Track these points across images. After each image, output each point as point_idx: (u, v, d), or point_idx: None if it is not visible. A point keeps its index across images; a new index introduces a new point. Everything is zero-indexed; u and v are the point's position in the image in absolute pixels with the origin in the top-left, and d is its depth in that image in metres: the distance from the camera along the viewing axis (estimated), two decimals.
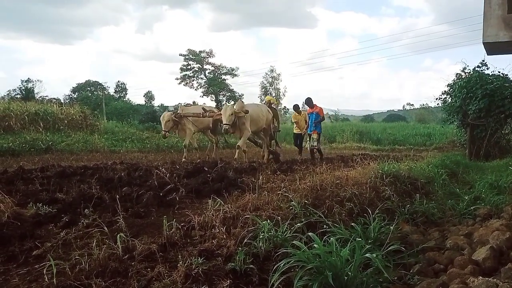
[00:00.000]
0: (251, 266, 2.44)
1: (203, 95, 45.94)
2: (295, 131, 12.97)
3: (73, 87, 52.93)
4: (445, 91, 14.77)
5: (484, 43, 8.23)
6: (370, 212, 3.62)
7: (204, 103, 11.29)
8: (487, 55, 10.24)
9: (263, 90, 47.04)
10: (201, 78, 46.64)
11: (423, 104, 47.03)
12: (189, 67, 45.96)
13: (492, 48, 8.70)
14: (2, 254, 2.70)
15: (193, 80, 46.77)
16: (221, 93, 45.64)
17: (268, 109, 11.15)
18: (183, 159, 10.27)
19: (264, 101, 12.70)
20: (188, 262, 2.34)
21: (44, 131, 15.79)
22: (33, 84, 43.89)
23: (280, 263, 2.38)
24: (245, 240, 2.72)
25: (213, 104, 37.97)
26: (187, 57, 45.49)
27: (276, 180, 5.17)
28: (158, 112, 33.61)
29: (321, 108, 12.12)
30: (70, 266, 2.36)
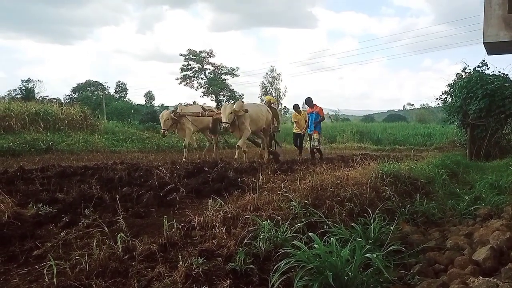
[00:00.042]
0: (251, 266, 2.44)
1: (204, 95, 46.03)
2: (295, 131, 12.98)
3: (74, 87, 53.07)
4: (445, 91, 14.78)
5: (484, 43, 8.23)
6: (370, 212, 3.62)
7: (205, 103, 11.27)
8: (488, 55, 10.24)
9: (263, 90, 47.04)
10: (201, 78, 46.69)
11: (424, 104, 47.11)
12: (189, 67, 46.00)
13: (493, 48, 8.70)
14: (2, 254, 2.70)
15: (193, 80, 46.83)
16: (222, 93, 45.68)
17: (268, 109, 11.14)
18: (184, 159, 10.27)
19: (264, 101, 12.69)
20: (188, 262, 2.34)
21: (45, 131, 15.80)
22: (33, 84, 43.98)
23: (281, 263, 2.38)
24: (245, 240, 2.72)
25: (213, 104, 37.97)
26: (187, 57, 45.53)
27: (276, 180, 5.17)
28: (158, 112, 33.57)
29: (321, 108, 12.13)
30: (70, 266, 2.36)
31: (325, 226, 3.23)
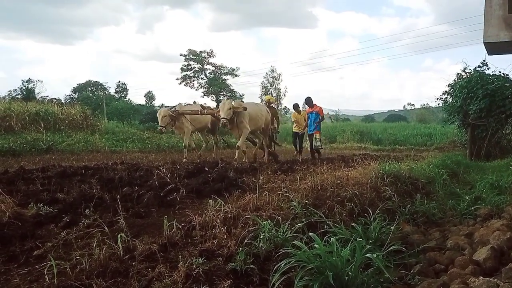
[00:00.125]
0: (252, 266, 2.44)
1: (204, 95, 46.02)
2: (294, 130, 12.97)
3: (74, 87, 53.13)
4: (445, 91, 14.77)
5: (484, 43, 8.24)
6: (370, 212, 3.62)
7: (205, 103, 11.22)
8: (488, 55, 10.25)
9: (264, 90, 47.06)
10: (201, 78, 46.70)
11: (424, 104, 47.15)
12: (189, 67, 46.01)
13: (493, 48, 8.71)
14: (3, 254, 2.70)
15: (193, 80, 46.84)
16: (222, 93, 45.65)
17: (267, 109, 11.12)
18: (184, 159, 10.27)
19: (263, 101, 12.66)
20: (188, 262, 2.34)
21: (45, 131, 15.79)
22: (33, 84, 44.01)
23: (281, 263, 2.38)
24: (245, 240, 2.72)
25: (214, 104, 37.97)
26: (187, 57, 45.55)
27: (276, 180, 5.17)
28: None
29: (320, 107, 12.13)
30: (70, 266, 2.36)
31: (325, 226, 3.23)
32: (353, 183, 4.61)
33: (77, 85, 53.36)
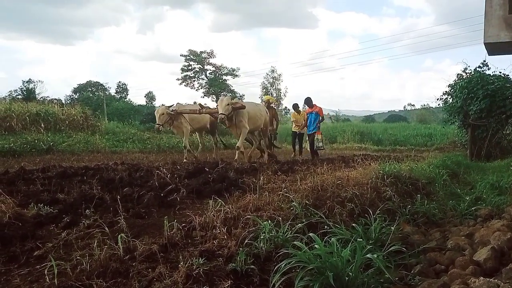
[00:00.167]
0: (252, 266, 2.44)
1: (204, 95, 46.02)
2: (294, 130, 12.95)
3: (74, 88, 53.13)
4: (446, 91, 14.76)
5: (485, 44, 8.24)
6: (371, 212, 3.62)
7: (205, 104, 11.13)
8: (488, 55, 10.23)
9: (264, 90, 47.06)
10: (202, 78, 46.71)
11: (424, 105, 47.10)
12: (190, 67, 46.02)
13: (493, 48, 8.71)
14: (3, 255, 2.70)
15: (194, 81, 46.85)
16: (222, 93, 45.61)
17: (266, 110, 11.09)
18: (184, 160, 10.27)
19: (263, 101, 12.62)
20: (189, 263, 2.34)
21: (45, 132, 15.82)
22: (34, 85, 44.04)
23: (281, 263, 2.38)
24: (246, 241, 2.72)
25: (214, 104, 37.95)
26: (188, 57, 45.56)
27: (277, 180, 5.17)
28: None
29: (320, 108, 12.13)
30: (71, 266, 2.36)
31: (325, 227, 3.22)
32: (353, 183, 4.60)
33: (77, 86, 53.41)
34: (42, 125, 16.51)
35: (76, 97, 47.27)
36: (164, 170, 6.05)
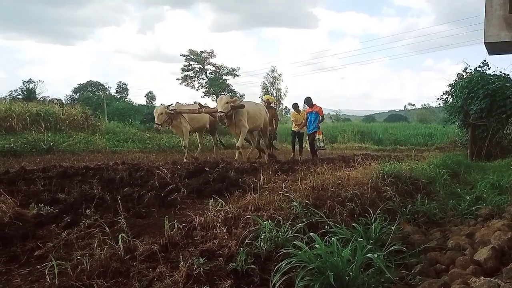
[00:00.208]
0: (253, 266, 2.44)
1: (204, 95, 46.04)
2: (293, 129, 12.93)
3: (75, 88, 53.20)
4: (446, 91, 14.74)
5: (485, 43, 8.25)
6: (371, 212, 3.62)
7: (205, 103, 11.07)
8: (489, 55, 10.26)
9: (264, 90, 47.10)
10: (202, 78, 46.72)
11: (425, 104, 47.08)
12: (190, 67, 46.04)
13: (494, 48, 8.72)
14: (4, 255, 2.71)
15: (194, 81, 46.87)
16: (223, 93, 45.68)
17: (266, 110, 11.05)
18: (185, 160, 10.25)
19: (263, 101, 12.58)
20: (189, 263, 2.34)
21: (46, 132, 15.81)
22: (34, 85, 44.11)
23: (282, 263, 2.38)
24: (246, 241, 2.72)
25: (214, 104, 37.93)
26: (188, 57, 45.58)
27: (277, 180, 5.17)
28: None
29: (320, 107, 12.12)
30: (71, 266, 2.36)
31: (326, 226, 3.23)
32: (353, 183, 4.60)
33: (77, 86, 53.48)
34: (43, 125, 16.52)
35: (77, 97, 47.29)
36: (165, 170, 6.05)
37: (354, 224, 3.32)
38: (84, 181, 5.34)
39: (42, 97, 36.58)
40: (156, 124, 10.50)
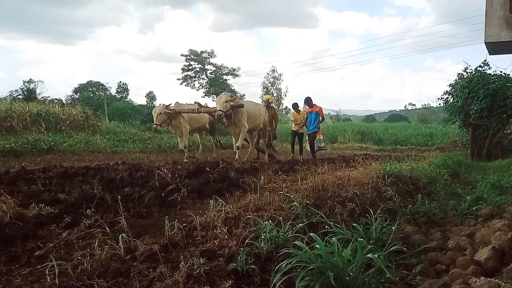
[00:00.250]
0: (253, 266, 2.44)
1: (205, 95, 46.08)
2: (293, 129, 12.91)
3: (75, 88, 53.25)
4: (447, 91, 14.73)
5: (486, 43, 8.24)
6: (372, 212, 3.62)
7: (205, 103, 11.02)
8: (489, 54, 10.24)
9: (265, 90, 47.13)
10: (202, 78, 46.76)
11: (425, 104, 46.88)
12: (190, 67, 46.07)
13: (494, 47, 8.71)
14: (4, 255, 2.71)
15: (194, 81, 46.92)
16: (222, 93, 45.68)
17: (266, 110, 11.02)
18: (185, 160, 10.25)
19: (263, 101, 12.53)
20: (190, 263, 2.34)
21: (46, 132, 15.83)
22: (35, 85, 44.18)
23: (282, 263, 2.38)
24: (246, 241, 2.72)
25: (214, 104, 37.90)
26: (188, 57, 45.62)
27: (277, 180, 5.16)
28: None
29: (320, 107, 12.11)
30: (72, 266, 2.36)
31: (326, 227, 3.22)
32: (354, 183, 4.60)
33: (78, 86, 53.51)
34: (43, 125, 16.54)
35: (77, 97, 47.34)
36: (165, 170, 6.05)
37: (354, 224, 3.32)
38: (85, 181, 5.34)
39: (42, 97, 36.74)
40: (155, 124, 10.43)
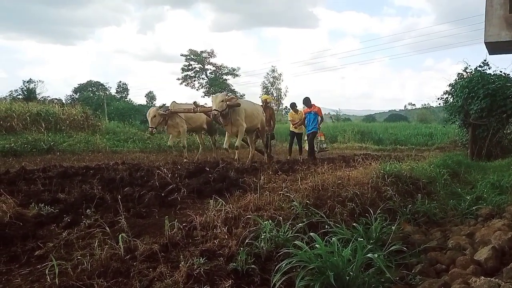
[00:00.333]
0: (253, 266, 2.44)
1: (205, 95, 46.10)
2: (291, 129, 12.87)
3: (75, 88, 53.24)
4: (446, 91, 14.72)
5: (485, 43, 8.24)
6: (371, 212, 3.62)
7: (205, 103, 10.93)
8: (489, 54, 10.24)
9: (265, 90, 47.13)
10: (202, 78, 46.83)
11: (425, 104, 46.88)
12: (190, 67, 46.14)
13: (494, 47, 8.71)
14: (4, 255, 2.71)
15: (194, 80, 47.00)
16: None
17: (263, 110, 10.97)
18: (185, 160, 10.23)
19: (262, 101, 12.47)
20: (190, 262, 2.34)
21: (46, 132, 15.83)
22: (35, 85, 44.19)
23: (282, 263, 2.38)
24: (246, 240, 2.72)
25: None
26: (188, 57, 45.68)
27: (277, 180, 5.16)
28: None
29: (319, 108, 12.06)
30: (72, 266, 2.36)
31: (326, 226, 3.23)
32: (354, 183, 4.60)
33: (78, 85, 53.51)
34: (43, 125, 16.54)
35: (77, 97, 47.33)
36: (165, 169, 6.05)
37: (354, 224, 3.32)
38: (85, 181, 5.35)
39: (42, 97, 36.74)
40: (151, 128, 10.21)
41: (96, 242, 2.57)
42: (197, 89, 46.86)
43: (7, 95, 39.04)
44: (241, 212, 3.33)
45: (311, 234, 2.75)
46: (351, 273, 2.36)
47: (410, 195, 4.98)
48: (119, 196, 3.92)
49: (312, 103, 11.98)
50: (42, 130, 15.97)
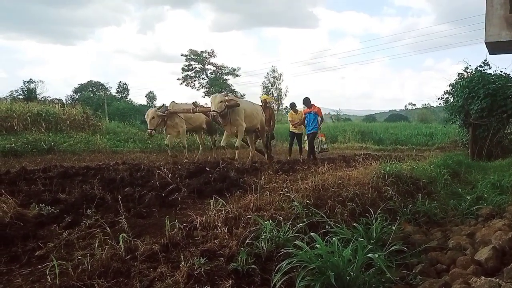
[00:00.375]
0: (253, 266, 2.44)
1: (205, 95, 46.12)
2: (291, 130, 12.85)
3: (75, 88, 53.24)
4: (447, 90, 14.71)
5: (486, 43, 8.23)
6: (372, 212, 3.62)
7: (206, 103, 10.89)
8: (489, 54, 10.22)
9: (265, 90, 47.14)
10: (202, 78, 46.86)
11: (425, 104, 46.86)
12: (190, 67, 46.17)
13: (494, 47, 8.70)
14: (5, 255, 2.71)
15: (194, 80, 47.03)
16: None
17: (263, 110, 10.96)
18: (185, 160, 10.23)
19: (262, 102, 12.43)
20: (190, 263, 2.34)
21: (46, 132, 15.84)
22: (35, 85, 44.20)
23: (282, 263, 2.38)
24: (247, 240, 2.72)
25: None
26: (188, 57, 45.71)
27: (278, 180, 5.16)
28: None
29: (319, 108, 12.04)
30: (72, 266, 2.36)
31: (327, 226, 3.23)
32: (354, 183, 4.60)
33: (78, 86, 53.50)
34: (43, 125, 16.55)
35: (77, 97, 47.35)
36: (165, 170, 6.06)
37: (355, 224, 3.32)
38: (85, 181, 5.35)
39: (42, 97, 36.80)
40: (149, 129, 10.16)
41: (97, 242, 2.57)
42: (197, 89, 46.96)
43: (8, 95, 39.12)
44: (242, 212, 3.33)
45: (311, 234, 2.75)
46: (352, 273, 2.36)
47: (410, 195, 4.98)
48: (120, 196, 3.92)
49: (312, 103, 11.96)
50: (43, 130, 15.98)
